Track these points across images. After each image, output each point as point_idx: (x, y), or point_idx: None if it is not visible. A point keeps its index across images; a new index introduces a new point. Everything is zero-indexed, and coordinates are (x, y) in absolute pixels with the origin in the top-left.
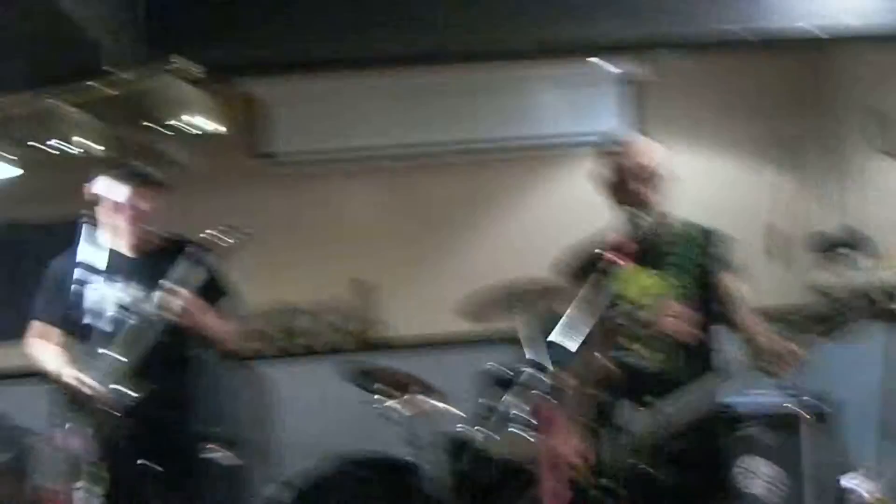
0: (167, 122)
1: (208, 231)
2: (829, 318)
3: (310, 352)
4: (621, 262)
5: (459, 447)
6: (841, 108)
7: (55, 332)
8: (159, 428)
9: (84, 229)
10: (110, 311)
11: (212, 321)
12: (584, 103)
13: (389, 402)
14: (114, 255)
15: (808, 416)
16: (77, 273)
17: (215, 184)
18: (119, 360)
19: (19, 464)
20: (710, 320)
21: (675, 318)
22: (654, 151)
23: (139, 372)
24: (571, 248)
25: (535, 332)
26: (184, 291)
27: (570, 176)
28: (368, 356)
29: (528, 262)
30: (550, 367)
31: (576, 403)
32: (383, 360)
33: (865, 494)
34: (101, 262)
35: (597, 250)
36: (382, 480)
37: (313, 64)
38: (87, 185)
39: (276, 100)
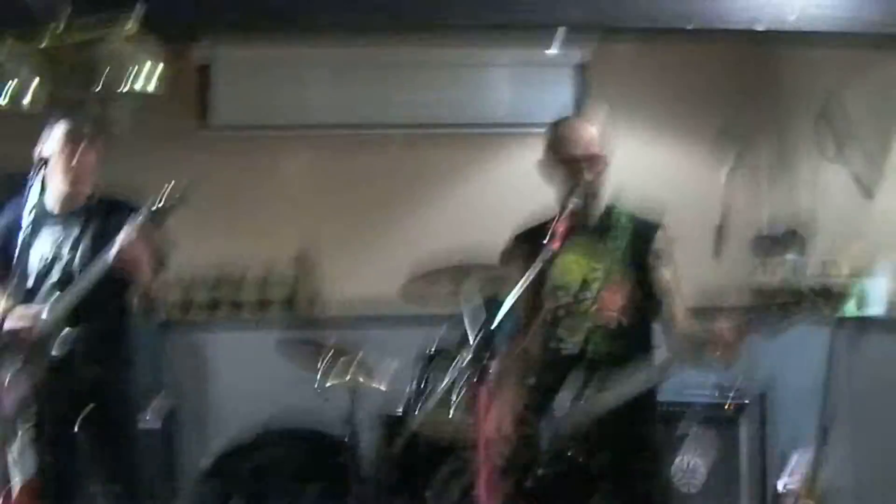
0: (109, 82)
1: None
2: (764, 312)
3: (248, 322)
4: (557, 245)
5: (394, 425)
6: (795, 106)
7: None
8: (91, 389)
9: (31, 184)
10: (38, 266)
11: (147, 271)
12: (534, 86)
13: (326, 377)
14: (47, 211)
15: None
16: (20, 227)
17: (156, 149)
18: (50, 312)
19: None
20: (649, 312)
21: (612, 305)
22: (593, 133)
23: (68, 324)
24: (512, 230)
25: (475, 314)
26: (129, 233)
27: (517, 158)
28: (308, 329)
29: (471, 242)
30: (488, 350)
31: (511, 388)
32: (322, 334)
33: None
34: (41, 216)
35: (535, 233)
36: (314, 456)
37: (260, 31)
38: (38, 143)
39: (221, 68)
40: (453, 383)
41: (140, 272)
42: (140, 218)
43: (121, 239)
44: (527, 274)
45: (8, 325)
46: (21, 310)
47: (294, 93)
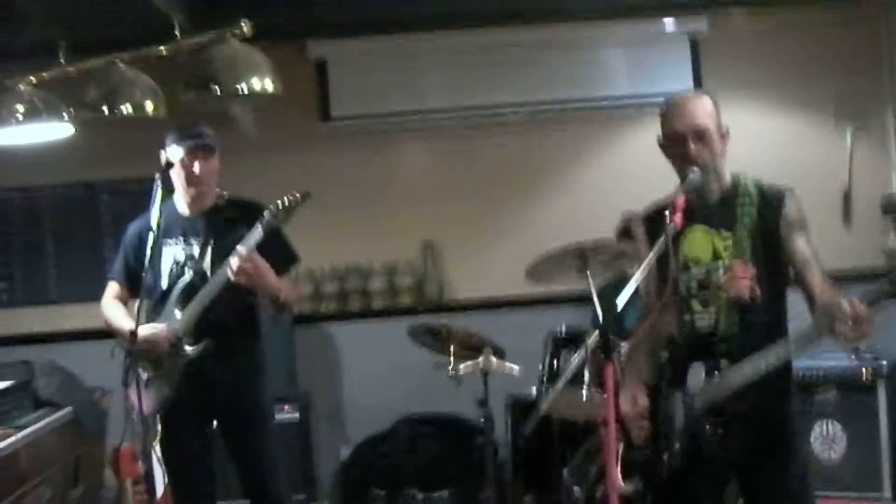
0: (231, 86)
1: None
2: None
3: (378, 312)
4: (680, 223)
5: (527, 408)
6: None
7: (127, 292)
8: (224, 385)
9: (156, 192)
10: (169, 269)
11: (272, 280)
12: (650, 63)
13: (457, 363)
14: (176, 214)
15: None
16: (148, 234)
17: (279, 147)
18: (177, 317)
19: (95, 423)
20: (781, 283)
21: (743, 279)
22: (704, 106)
23: (201, 328)
24: (635, 211)
25: (603, 294)
26: (244, 250)
27: (636, 137)
28: (436, 317)
29: (593, 224)
30: (617, 330)
31: (642, 366)
32: (450, 321)
33: None
34: (172, 219)
35: (657, 212)
36: (450, 441)
37: (375, 25)
38: (161, 151)
39: (337, 62)
40: (584, 363)
41: (262, 283)
42: (257, 231)
43: (237, 253)
44: (653, 250)
45: (143, 334)
46: (150, 334)
47: (411, 80)
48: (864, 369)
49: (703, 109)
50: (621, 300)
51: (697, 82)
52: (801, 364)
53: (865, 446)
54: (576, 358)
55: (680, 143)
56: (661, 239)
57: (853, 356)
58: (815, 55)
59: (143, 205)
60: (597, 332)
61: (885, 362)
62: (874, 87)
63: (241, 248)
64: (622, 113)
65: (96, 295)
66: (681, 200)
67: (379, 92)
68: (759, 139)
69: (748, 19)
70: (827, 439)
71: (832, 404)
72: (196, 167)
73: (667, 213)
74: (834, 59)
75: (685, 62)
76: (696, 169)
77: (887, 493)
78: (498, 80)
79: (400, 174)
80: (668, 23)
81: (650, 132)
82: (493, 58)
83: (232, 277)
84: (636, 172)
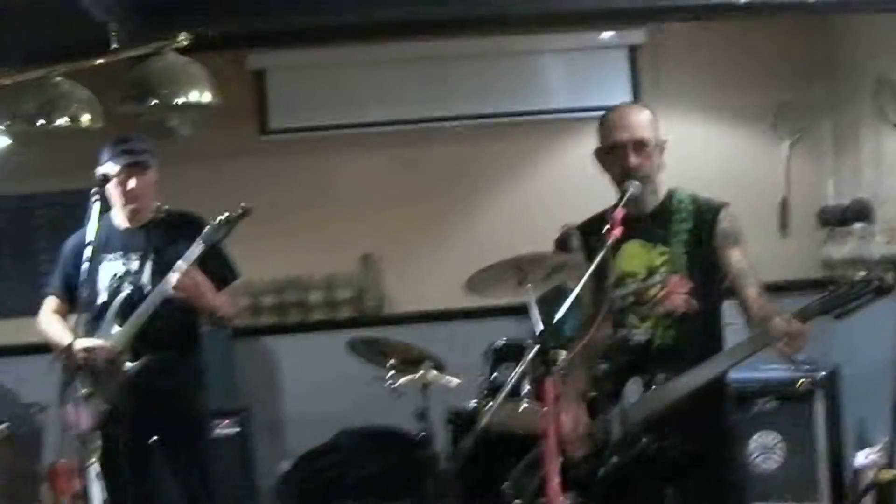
0: (170, 98)
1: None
2: (839, 298)
3: (317, 325)
4: (617, 232)
5: (466, 421)
6: (855, 78)
7: (66, 307)
8: (163, 400)
9: (93, 206)
10: (108, 283)
11: (211, 296)
12: (589, 74)
13: (396, 376)
14: (114, 228)
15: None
16: (86, 248)
17: (217, 158)
18: (115, 333)
19: (31, 439)
20: (716, 297)
21: (680, 293)
22: (643, 118)
23: (140, 342)
24: (574, 223)
25: (542, 305)
26: (184, 265)
27: (575, 148)
28: (375, 330)
29: (533, 235)
30: (555, 343)
31: (580, 379)
32: (389, 334)
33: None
34: (110, 232)
35: (594, 223)
36: (390, 454)
37: (314, 35)
38: (97, 165)
39: (277, 73)
40: (522, 375)
41: (201, 299)
42: (197, 246)
43: (177, 268)
44: (593, 263)
45: (79, 345)
46: (89, 348)
47: (349, 92)
48: (801, 379)
49: (643, 120)
50: (559, 313)
51: (636, 93)
52: (738, 374)
53: (803, 455)
54: (517, 371)
55: (619, 154)
56: (602, 254)
57: (791, 366)
58: (753, 67)
59: (80, 218)
60: (536, 345)
61: (822, 372)
62: (811, 99)
63: (181, 264)
64: (561, 124)
65: (31, 309)
66: (620, 214)
67: (318, 103)
68: (698, 149)
69: (686, 31)
70: (765, 449)
71: (770, 414)
72: (131, 183)
73: (606, 226)
74: (772, 71)
75: (623, 73)
76: (636, 182)
77: (825, 501)
78: (437, 91)
79: (339, 186)
80: (607, 34)
81: (589, 143)
82: (433, 69)
83: (172, 292)
84: (576, 183)
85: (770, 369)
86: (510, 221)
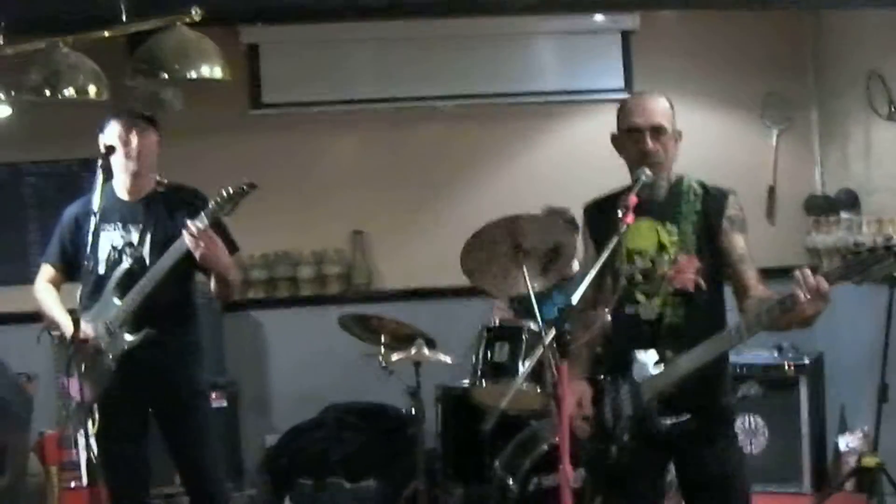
0: (182, 73)
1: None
2: (861, 263)
3: (306, 300)
4: (630, 218)
5: (456, 398)
6: (843, 70)
7: (60, 276)
8: (161, 373)
9: (98, 177)
10: (107, 254)
11: (226, 258)
12: (581, 58)
13: (388, 353)
14: (115, 199)
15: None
16: (87, 219)
17: (209, 133)
18: (116, 305)
19: (22, 410)
20: (721, 277)
21: (689, 272)
22: (660, 105)
23: (137, 316)
24: (553, 204)
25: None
26: (200, 224)
27: (565, 130)
28: (364, 306)
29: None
30: (565, 322)
31: (583, 357)
32: (378, 310)
33: (861, 454)
34: (111, 204)
35: (604, 204)
36: (378, 430)
37: (309, 11)
38: (100, 135)
39: (270, 48)
40: (520, 354)
41: (218, 257)
42: (212, 207)
43: (194, 226)
44: (600, 243)
45: (84, 335)
46: (84, 322)
47: (342, 68)
48: (786, 364)
49: (662, 108)
50: (575, 297)
51: (628, 77)
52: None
53: (786, 439)
54: (510, 348)
55: (636, 138)
56: (615, 239)
57: (776, 352)
58: (743, 55)
59: (69, 187)
60: (535, 324)
61: (806, 358)
62: (799, 89)
63: (198, 222)
64: (552, 106)
65: (20, 278)
66: (633, 201)
67: (310, 80)
68: (687, 135)
69: (680, 16)
70: (749, 432)
71: (754, 398)
72: (133, 140)
73: (619, 211)
74: (762, 59)
75: (616, 57)
76: (647, 170)
77: (807, 485)
78: (430, 70)
79: (330, 162)
80: (600, 18)
81: (580, 126)
82: (426, 48)
83: (190, 245)
84: (565, 165)
85: (756, 354)
86: (500, 201)
